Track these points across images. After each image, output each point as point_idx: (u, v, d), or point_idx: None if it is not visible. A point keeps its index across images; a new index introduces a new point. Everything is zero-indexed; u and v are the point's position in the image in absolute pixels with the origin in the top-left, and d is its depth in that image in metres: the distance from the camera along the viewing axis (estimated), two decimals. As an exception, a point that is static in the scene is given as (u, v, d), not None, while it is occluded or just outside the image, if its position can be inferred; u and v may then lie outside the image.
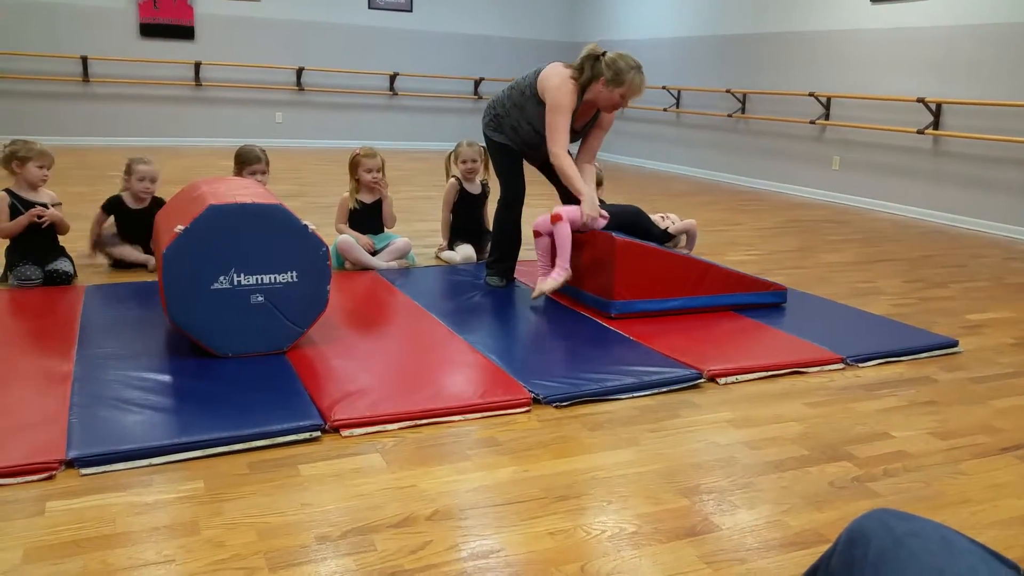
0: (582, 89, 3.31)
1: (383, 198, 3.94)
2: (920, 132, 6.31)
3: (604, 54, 3.30)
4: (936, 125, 6.24)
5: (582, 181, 3.33)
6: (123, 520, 1.66)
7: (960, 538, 0.85)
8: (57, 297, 3.16)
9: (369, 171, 3.86)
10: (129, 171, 3.64)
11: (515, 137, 3.52)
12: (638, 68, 3.29)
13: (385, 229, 4.02)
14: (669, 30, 9.23)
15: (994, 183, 5.92)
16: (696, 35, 8.87)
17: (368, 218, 3.94)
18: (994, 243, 5.52)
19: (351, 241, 3.79)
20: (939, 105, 6.19)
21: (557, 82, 3.31)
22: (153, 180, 3.65)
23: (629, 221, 3.41)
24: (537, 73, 3.42)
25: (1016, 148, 5.71)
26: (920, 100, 6.24)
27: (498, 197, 3.65)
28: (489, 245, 4.18)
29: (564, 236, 3.27)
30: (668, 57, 9.31)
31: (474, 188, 4.16)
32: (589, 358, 2.72)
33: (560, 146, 3.32)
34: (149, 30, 8.96)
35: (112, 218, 3.70)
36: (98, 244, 3.70)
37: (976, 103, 5.90)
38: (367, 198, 3.93)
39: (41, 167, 3.39)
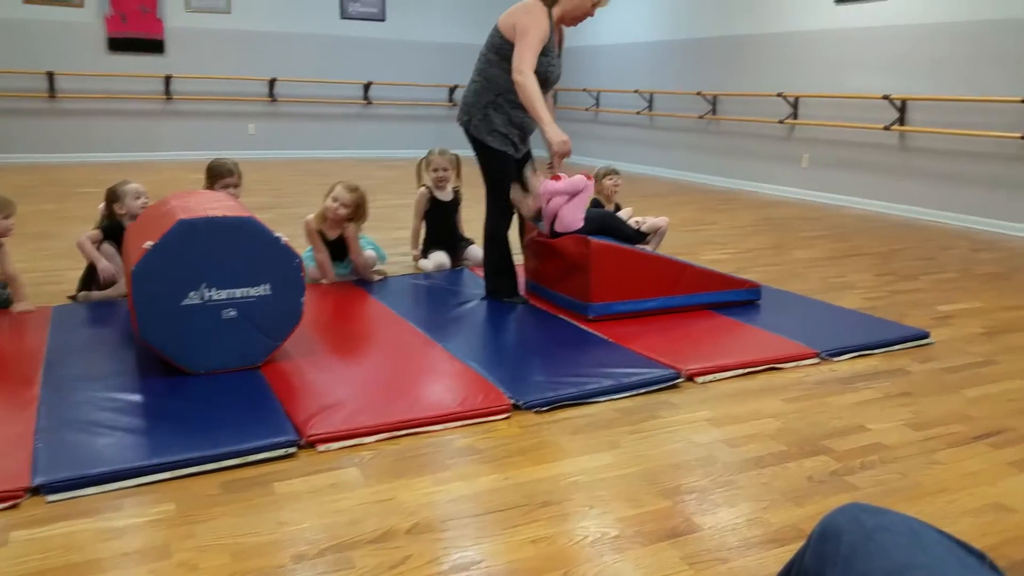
0: (549, 9, 3.20)
1: (347, 239, 3.66)
2: (886, 128, 6.39)
3: None
4: (902, 121, 6.32)
5: (546, 109, 3.19)
6: (91, 547, 1.62)
7: (929, 530, 0.87)
8: (23, 318, 3.09)
9: (335, 200, 3.58)
10: (117, 196, 3.37)
11: (510, 130, 3.32)
12: None
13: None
14: (640, 35, 9.30)
15: (959, 176, 6.01)
16: (666, 39, 8.93)
17: (331, 248, 3.71)
18: (961, 235, 5.60)
19: (315, 275, 3.69)
20: (904, 102, 6.28)
21: (527, 7, 3.17)
22: (146, 194, 3.41)
23: (602, 225, 3.42)
24: (493, 33, 3.27)
25: (979, 142, 5.81)
26: (885, 97, 6.32)
27: (487, 207, 3.40)
28: (465, 252, 4.18)
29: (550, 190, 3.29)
30: (640, 61, 9.37)
31: (446, 195, 4.14)
32: (568, 361, 2.72)
33: (527, 66, 3.11)
34: (118, 44, 8.86)
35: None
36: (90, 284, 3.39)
37: (939, 99, 5.99)
38: (330, 233, 3.66)
39: (7, 217, 3.11)
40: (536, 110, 3.15)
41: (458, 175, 4.18)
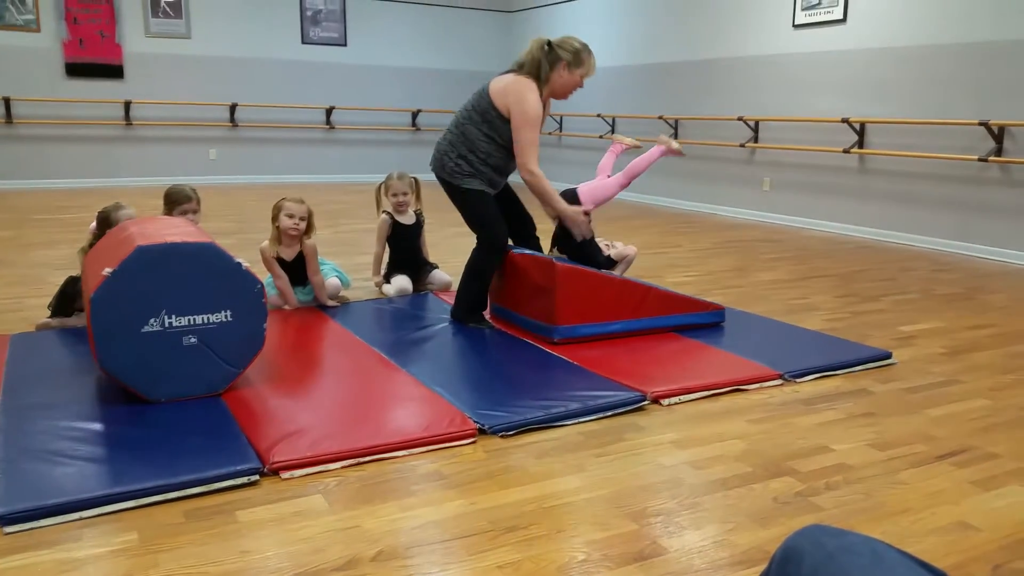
0: (540, 87, 3.26)
1: (306, 256, 3.63)
2: (846, 151, 6.54)
3: (550, 41, 3.29)
4: (861, 144, 6.47)
5: (558, 195, 3.35)
6: (49, 580, 1.57)
7: (890, 551, 0.87)
8: (-23, 347, 3.01)
9: (291, 216, 3.56)
10: (110, 224, 3.21)
11: (490, 175, 3.34)
12: (588, 48, 3.34)
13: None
14: (603, 59, 9.33)
15: (918, 198, 6.16)
16: (629, 64, 9.07)
17: (289, 272, 3.68)
18: (921, 256, 5.73)
19: (277, 302, 3.64)
20: (863, 125, 6.43)
21: (523, 92, 3.20)
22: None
23: (575, 251, 3.44)
24: (482, 95, 3.30)
25: (937, 164, 5.97)
26: (844, 120, 6.47)
27: (479, 243, 3.41)
28: (429, 276, 4.16)
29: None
30: (602, 86, 9.47)
31: (408, 219, 4.12)
32: (534, 385, 2.71)
33: (535, 163, 3.24)
34: (75, 70, 8.74)
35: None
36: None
37: (897, 121, 6.15)
38: (287, 253, 3.63)
39: None
40: (550, 201, 3.36)
41: (418, 198, 4.16)
